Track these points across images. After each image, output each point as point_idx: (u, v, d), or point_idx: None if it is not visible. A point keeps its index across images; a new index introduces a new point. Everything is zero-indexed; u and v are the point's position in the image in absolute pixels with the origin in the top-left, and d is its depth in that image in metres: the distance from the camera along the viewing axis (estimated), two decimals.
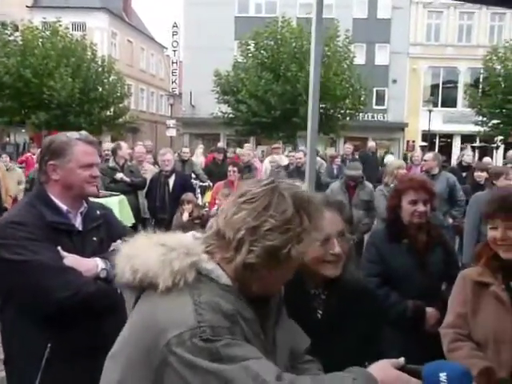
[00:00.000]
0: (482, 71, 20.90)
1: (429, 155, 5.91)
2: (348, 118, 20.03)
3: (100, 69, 20.81)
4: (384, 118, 26.06)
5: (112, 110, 21.32)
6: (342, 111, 19.70)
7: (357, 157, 9.67)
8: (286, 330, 1.20)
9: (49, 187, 1.85)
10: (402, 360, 1.10)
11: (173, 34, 28.65)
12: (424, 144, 22.84)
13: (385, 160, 11.90)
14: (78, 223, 1.87)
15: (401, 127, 25.63)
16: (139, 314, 1.05)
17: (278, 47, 18.73)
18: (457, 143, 25.40)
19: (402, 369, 1.08)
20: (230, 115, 19.79)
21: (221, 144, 16.13)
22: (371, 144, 10.74)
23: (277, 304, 1.19)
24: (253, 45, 19.25)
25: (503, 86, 18.70)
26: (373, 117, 25.61)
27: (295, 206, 1.03)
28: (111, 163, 6.04)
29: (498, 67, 19.18)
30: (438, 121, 24.18)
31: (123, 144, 6.30)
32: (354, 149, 9.92)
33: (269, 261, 1.02)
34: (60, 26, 19.97)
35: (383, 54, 26.09)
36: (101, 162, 3.80)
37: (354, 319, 1.46)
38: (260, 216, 1.01)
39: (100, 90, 20.61)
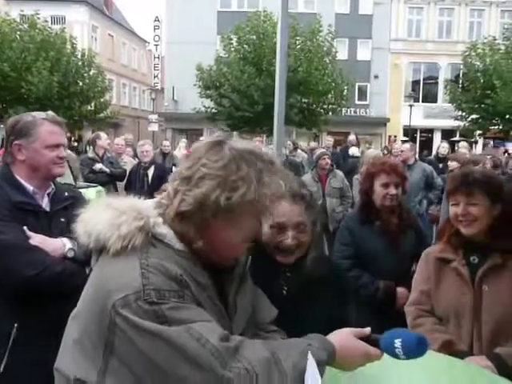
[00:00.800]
0: (461, 67, 21.20)
1: (405, 146, 6.10)
2: (330, 113, 20.10)
3: (80, 63, 20.47)
4: (366, 113, 26.28)
5: (93, 104, 21.00)
6: (325, 106, 19.77)
7: (338, 150, 9.76)
8: (248, 299, 1.20)
9: (15, 168, 1.83)
10: (367, 330, 1.12)
11: (154, 29, 28.38)
12: (405, 139, 23.09)
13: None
14: (45, 204, 1.85)
15: (383, 122, 25.88)
16: (92, 276, 1.07)
17: (260, 41, 18.70)
18: (437, 138, 25.76)
19: (365, 339, 1.11)
20: (213, 110, 19.71)
21: (203, 138, 16.02)
22: (351, 137, 10.79)
23: (240, 273, 1.20)
24: (235, 39, 19.18)
25: (482, 81, 18.99)
26: (355, 112, 25.80)
27: (234, 156, 1.03)
28: (90, 154, 5.98)
29: (477, 63, 19.46)
30: (419, 116, 24.49)
31: (102, 134, 6.25)
32: (335, 143, 9.96)
33: (201, 209, 1.01)
34: (38, 18, 19.57)
35: (365, 50, 26.28)
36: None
37: (318, 298, 1.48)
38: (193, 165, 1.03)
39: (80, 84, 20.29)
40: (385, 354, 1.09)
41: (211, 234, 1.06)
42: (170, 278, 0.99)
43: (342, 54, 23.13)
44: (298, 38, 18.70)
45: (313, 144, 9.87)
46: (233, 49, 19.34)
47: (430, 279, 1.92)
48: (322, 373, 1.00)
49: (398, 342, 1.05)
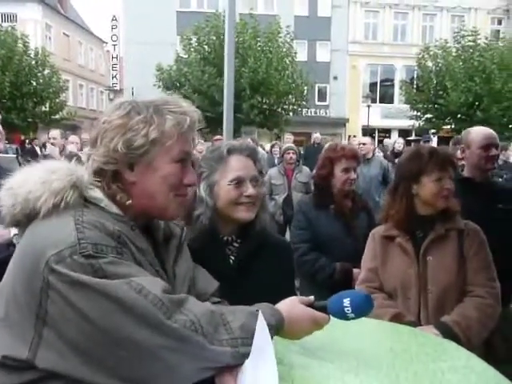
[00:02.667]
0: (415, 69, 21.95)
1: (367, 139, 6.26)
2: (291, 114, 20.34)
3: (33, 62, 19.75)
4: (326, 113, 26.75)
5: (47, 105, 20.31)
6: (286, 106, 19.98)
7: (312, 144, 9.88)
8: (186, 270, 1.18)
9: None
10: (311, 298, 1.13)
11: (112, 28, 27.82)
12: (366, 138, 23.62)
13: None
14: None
15: (342, 123, 26.41)
16: (19, 245, 0.99)
17: (220, 42, 18.68)
18: (394, 137, 26.51)
19: (310, 306, 1.11)
20: None
21: None
22: (316, 135, 10.94)
23: (176, 245, 1.18)
24: (195, 39, 19.07)
25: (435, 82, 19.73)
26: (315, 112, 26.21)
27: (133, 106, 1.04)
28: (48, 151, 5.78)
29: (430, 65, 20.21)
30: (377, 116, 25.16)
31: (56, 131, 6.06)
32: (296, 144, 10.06)
33: (110, 162, 1.02)
34: None
35: (324, 51, 26.75)
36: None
37: (266, 266, 1.48)
38: (97, 127, 1.06)
39: (34, 84, 19.59)
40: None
41: (136, 189, 1.05)
42: (108, 234, 0.95)
43: (302, 55, 23.46)
44: (258, 39, 18.82)
45: (273, 142, 9.90)
46: (193, 49, 19.22)
47: (376, 257, 1.97)
48: (271, 338, 0.99)
49: (346, 301, 1.07)
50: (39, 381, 0.90)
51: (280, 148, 8.17)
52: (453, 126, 19.26)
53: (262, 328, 0.96)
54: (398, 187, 1.95)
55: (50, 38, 28.11)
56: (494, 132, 2.59)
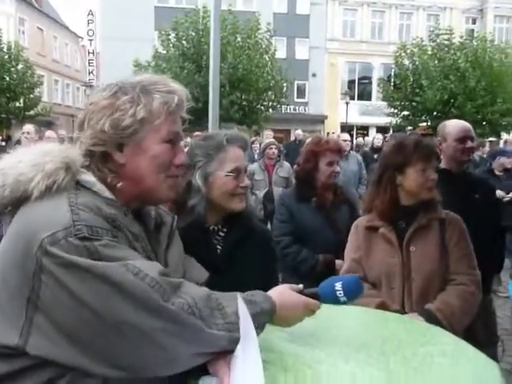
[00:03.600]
0: (393, 66, 22.26)
1: (345, 136, 6.41)
2: (271, 110, 20.36)
3: (6, 56, 19.23)
4: (305, 110, 26.88)
5: (21, 101, 19.82)
6: (265, 103, 19.98)
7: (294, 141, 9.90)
8: (178, 258, 1.17)
9: None
10: (300, 286, 1.14)
11: (88, 23, 27.28)
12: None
13: None
14: None
15: (321, 119, 26.59)
16: (11, 227, 0.95)
17: (199, 38, 18.54)
18: (373, 134, 26.86)
19: (300, 293, 1.12)
20: None
21: None
22: (297, 132, 10.99)
23: (168, 233, 1.17)
24: (173, 35, 18.88)
25: (412, 80, 20.04)
26: (295, 109, 26.31)
27: (120, 86, 1.03)
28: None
29: (407, 63, 20.52)
30: (355, 113, 25.42)
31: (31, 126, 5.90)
32: (277, 140, 10.09)
33: (99, 144, 1.00)
34: None
35: (303, 49, 26.86)
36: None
37: (252, 255, 1.48)
38: (85, 110, 1.05)
39: (7, 79, 19.08)
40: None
41: (126, 171, 1.03)
42: (103, 217, 0.93)
43: (281, 52, 23.48)
44: (237, 35, 18.75)
45: (253, 138, 9.89)
46: (171, 45, 19.02)
47: (360, 248, 1.99)
48: (264, 324, 1.00)
49: (338, 285, 1.08)
50: (31, 368, 0.88)
51: (260, 144, 8.19)
52: (429, 123, 19.62)
53: (244, 313, 0.95)
54: (382, 178, 1.96)
55: (23, 32, 27.36)
56: (469, 125, 2.66)
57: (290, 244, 2.64)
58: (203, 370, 0.95)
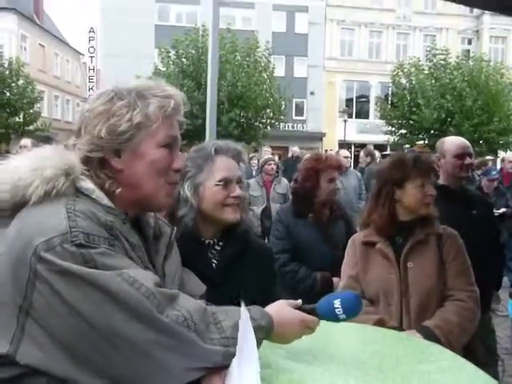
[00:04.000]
0: (390, 85, 22.50)
1: (345, 152, 6.47)
2: (269, 128, 20.49)
3: (7, 72, 19.40)
4: (303, 127, 27.06)
5: (21, 116, 19.92)
6: (263, 120, 20.13)
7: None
8: (175, 269, 1.15)
9: None
10: (299, 302, 1.12)
11: (89, 40, 27.56)
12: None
13: None
14: None
15: (319, 137, 26.73)
16: (7, 232, 0.92)
17: (198, 56, 18.76)
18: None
19: (298, 309, 1.10)
20: None
21: None
22: (294, 149, 11.03)
23: (166, 243, 1.15)
24: (173, 53, 19.12)
25: (409, 98, 20.24)
26: (293, 127, 26.49)
27: (116, 92, 1.02)
28: None
29: (404, 82, 20.75)
30: (353, 131, 25.59)
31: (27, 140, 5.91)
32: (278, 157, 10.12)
33: (96, 150, 0.99)
34: None
35: (301, 67, 27.18)
36: None
37: (249, 270, 1.45)
38: (81, 117, 1.04)
39: (7, 94, 19.22)
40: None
41: (124, 177, 1.02)
42: (100, 225, 0.91)
43: (280, 70, 23.75)
44: (236, 53, 18.99)
45: (251, 154, 9.92)
46: (171, 62, 19.25)
47: (357, 264, 1.97)
48: (260, 341, 0.97)
49: (337, 303, 1.06)
50: (20, 377, 0.85)
51: (258, 160, 8.21)
52: (426, 142, 19.74)
53: (245, 324, 0.93)
54: (381, 193, 1.96)
55: (25, 48, 27.65)
56: (467, 142, 2.67)
57: (288, 262, 2.60)
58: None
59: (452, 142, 2.65)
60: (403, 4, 27.72)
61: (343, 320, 1.08)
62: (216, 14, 3.66)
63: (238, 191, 1.43)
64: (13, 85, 19.57)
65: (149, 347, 0.84)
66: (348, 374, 1.01)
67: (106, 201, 0.98)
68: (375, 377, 1.01)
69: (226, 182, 1.43)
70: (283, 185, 5.81)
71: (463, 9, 24.86)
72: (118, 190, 1.01)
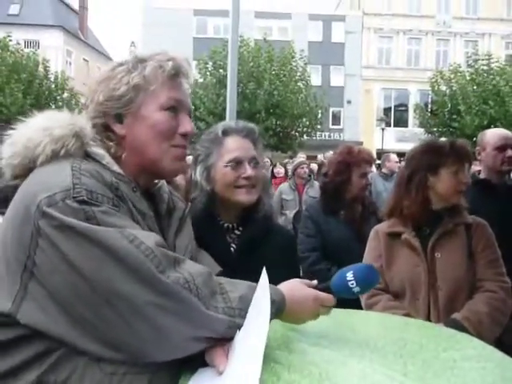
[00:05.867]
0: (429, 93, 21.94)
1: (395, 157, 6.33)
2: (305, 136, 20.41)
3: (53, 86, 20.32)
4: (340, 136, 26.75)
5: None
6: (299, 129, 20.08)
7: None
8: (187, 243, 1.13)
9: None
10: (314, 282, 1.08)
11: (130, 54, 28.50)
12: (378, 162, 23.53)
13: None
14: None
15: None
16: (16, 193, 0.93)
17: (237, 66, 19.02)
18: None
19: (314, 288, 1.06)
20: None
21: None
22: (319, 157, 10.95)
23: (179, 217, 1.14)
24: (211, 63, 19.48)
25: (449, 105, 19.66)
26: (329, 136, 26.24)
27: (122, 61, 1.02)
28: None
29: (444, 88, 20.19)
30: (391, 140, 25.06)
31: None
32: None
33: (100, 116, 1.00)
34: (10, 41, 19.41)
35: (338, 76, 26.99)
36: None
37: (269, 256, 1.40)
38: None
39: (53, 107, 20.08)
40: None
41: (127, 143, 1.01)
42: (105, 185, 0.90)
43: (316, 79, 23.70)
44: (272, 63, 19.14)
45: (286, 160, 9.88)
46: (208, 73, 19.60)
47: (380, 257, 1.87)
48: (272, 316, 0.93)
49: (349, 275, 1.01)
50: (22, 340, 0.85)
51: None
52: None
53: (263, 291, 0.89)
54: (412, 179, 1.85)
55: (70, 63, 28.96)
56: (510, 133, 2.53)
57: (318, 261, 2.51)
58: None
59: (493, 134, 2.52)
60: (443, 10, 27.09)
61: (358, 293, 1.02)
62: (235, 23, 3.75)
63: (249, 172, 1.38)
64: (58, 98, 20.43)
65: (147, 309, 0.82)
66: (363, 357, 0.95)
67: (115, 167, 0.98)
68: (393, 361, 0.94)
69: (236, 163, 1.39)
70: (316, 188, 5.72)
71: (506, 13, 24.01)
72: (124, 156, 1.01)
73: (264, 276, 0.90)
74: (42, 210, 0.83)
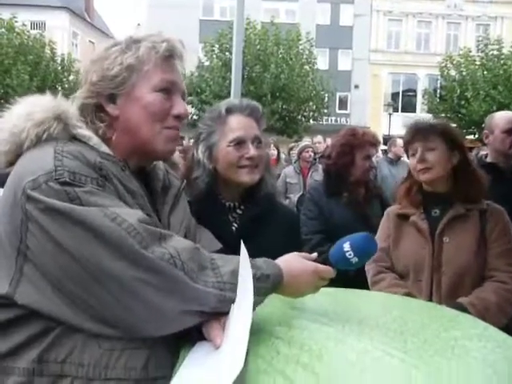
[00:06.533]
0: (439, 78, 21.65)
1: (401, 142, 6.24)
2: (311, 121, 20.27)
3: (59, 68, 20.26)
4: (347, 121, 26.53)
5: None
6: (306, 114, 19.93)
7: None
8: (181, 221, 1.13)
9: None
10: (314, 255, 1.07)
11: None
12: (385, 148, 23.39)
13: None
14: None
15: None
16: (7, 180, 0.94)
17: (242, 49, 18.82)
18: None
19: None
20: (194, 116, 19.65)
21: (185, 143, 15.95)
22: (318, 139, 10.82)
23: (174, 194, 1.13)
24: (217, 46, 19.30)
25: (458, 91, 19.40)
26: (336, 121, 26.04)
27: (116, 42, 1.03)
28: None
29: (453, 73, 19.91)
30: (398, 125, 24.71)
31: None
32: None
33: (91, 97, 1.00)
34: (16, 22, 19.30)
35: (346, 60, 26.68)
36: None
37: (271, 235, 1.40)
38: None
39: (59, 89, 20.03)
40: None
41: (119, 123, 1.01)
42: (89, 166, 0.90)
43: (323, 63, 23.45)
44: (280, 46, 18.93)
45: (291, 144, 9.83)
46: (214, 56, 19.42)
47: (388, 236, 1.88)
48: (267, 291, 0.93)
49: (346, 246, 1.01)
50: (20, 319, 0.87)
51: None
52: (476, 136, 18.86)
53: (244, 264, 0.88)
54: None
55: (76, 45, 28.79)
56: None
57: (322, 243, 2.49)
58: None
59: (501, 117, 2.48)
60: None
61: (357, 264, 1.01)
62: (241, 5, 3.70)
63: (252, 152, 1.36)
64: (64, 80, 20.38)
65: (135, 285, 0.82)
66: (363, 335, 0.95)
67: (103, 148, 0.98)
68: (393, 338, 0.93)
69: (238, 142, 1.37)
70: (320, 172, 5.70)
71: None
72: (114, 137, 1.01)
73: (243, 252, 0.89)
74: (26, 193, 0.85)
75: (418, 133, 1.80)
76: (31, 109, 0.95)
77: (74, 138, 0.96)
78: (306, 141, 9.22)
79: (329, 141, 10.45)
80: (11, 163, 0.96)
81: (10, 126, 0.95)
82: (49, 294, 0.85)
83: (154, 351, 0.89)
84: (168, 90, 1.02)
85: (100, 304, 0.84)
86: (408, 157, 1.91)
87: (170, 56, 1.03)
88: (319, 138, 8.62)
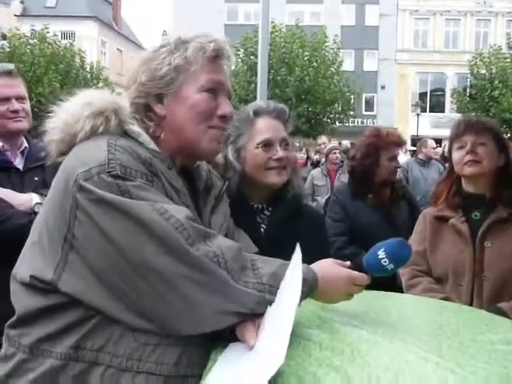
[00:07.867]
0: (468, 76, 21.14)
1: (433, 143, 6.34)
2: (337, 123, 20.10)
3: (89, 76, 20.81)
4: (373, 123, 26.17)
5: None
6: (332, 116, 19.78)
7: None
8: (222, 221, 1.14)
9: None
10: (347, 263, 1.06)
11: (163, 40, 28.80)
12: (413, 148, 22.95)
13: None
14: (17, 162, 1.85)
15: None
16: (58, 170, 0.97)
17: (267, 52, 18.86)
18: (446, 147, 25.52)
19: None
20: None
21: None
22: (345, 142, 10.76)
23: (216, 195, 1.15)
24: (242, 50, 19.40)
25: (489, 90, 18.89)
26: (362, 122, 25.75)
27: (165, 43, 1.04)
28: None
29: (484, 71, 19.41)
30: (427, 126, 24.35)
31: None
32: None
33: (141, 96, 1.02)
34: (48, 33, 19.95)
35: (372, 61, 26.39)
36: None
37: (299, 236, 1.39)
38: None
39: None
40: None
41: (167, 123, 1.03)
42: (139, 161, 0.92)
43: (349, 64, 23.25)
44: (305, 48, 18.89)
45: (318, 147, 9.78)
46: (240, 60, 19.53)
47: (425, 240, 1.82)
48: (304, 295, 0.93)
49: (381, 253, 0.99)
50: (62, 306, 0.89)
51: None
52: (508, 135, 18.29)
53: (295, 266, 0.88)
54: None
55: (104, 53, 29.52)
56: None
57: (346, 245, 2.47)
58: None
59: None
60: None
61: (392, 271, 1.00)
62: (266, 8, 3.72)
63: (280, 153, 1.37)
64: (93, 87, 20.93)
65: (178, 281, 0.84)
66: (396, 338, 0.93)
67: (152, 145, 1.00)
68: (427, 342, 0.92)
69: (266, 144, 1.38)
70: (347, 174, 5.66)
71: None
72: (162, 135, 1.02)
73: (297, 252, 0.89)
74: (78, 183, 0.87)
75: (469, 127, 1.76)
76: (90, 99, 0.97)
77: (125, 134, 0.99)
78: (333, 143, 9.17)
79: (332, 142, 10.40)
80: (62, 153, 0.98)
81: (64, 114, 0.97)
82: (91, 284, 0.87)
83: (186, 349, 0.90)
84: (214, 90, 1.04)
85: (141, 297, 0.85)
86: (451, 153, 1.82)
87: (217, 56, 1.04)
88: (323, 138, 8.59)
